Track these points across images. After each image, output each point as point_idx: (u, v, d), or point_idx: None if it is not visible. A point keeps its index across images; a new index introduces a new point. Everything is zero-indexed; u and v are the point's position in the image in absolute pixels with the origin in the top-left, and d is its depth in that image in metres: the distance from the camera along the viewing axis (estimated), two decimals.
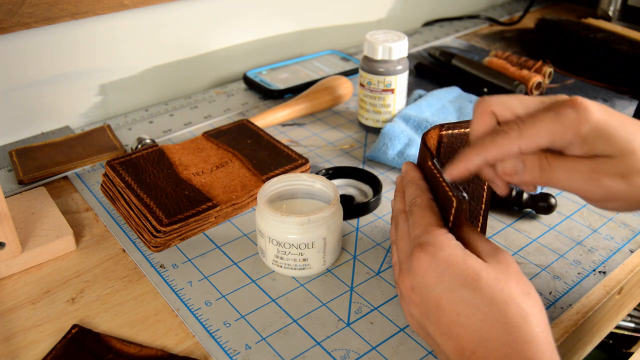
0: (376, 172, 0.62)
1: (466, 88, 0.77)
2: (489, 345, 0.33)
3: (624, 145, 0.36)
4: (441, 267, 0.36)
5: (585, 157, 0.37)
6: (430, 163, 0.42)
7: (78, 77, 0.72)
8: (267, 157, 0.60)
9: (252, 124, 0.66)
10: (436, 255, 0.36)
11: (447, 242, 0.37)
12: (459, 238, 0.39)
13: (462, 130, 0.44)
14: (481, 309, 0.34)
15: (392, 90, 0.66)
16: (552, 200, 0.54)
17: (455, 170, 0.39)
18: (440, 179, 0.40)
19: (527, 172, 0.38)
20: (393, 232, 0.44)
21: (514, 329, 0.33)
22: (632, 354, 0.83)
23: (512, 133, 0.37)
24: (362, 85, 0.68)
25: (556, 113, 0.37)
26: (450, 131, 0.44)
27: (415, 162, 0.47)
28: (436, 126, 0.44)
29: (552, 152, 0.38)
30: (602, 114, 0.36)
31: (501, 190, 0.41)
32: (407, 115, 0.66)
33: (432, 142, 0.44)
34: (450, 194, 0.38)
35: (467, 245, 0.38)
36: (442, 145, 0.44)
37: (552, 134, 0.36)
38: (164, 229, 0.50)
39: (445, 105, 0.71)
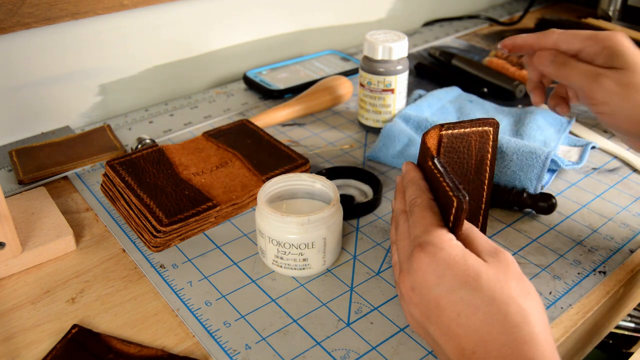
0: (376, 172, 0.62)
1: (466, 88, 0.77)
2: (489, 346, 0.33)
3: (631, 61, 0.46)
4: (441, 267, 0.36)
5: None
6: (430, 163, 0.42)
7: (78, 77, 0.72)
8: (267, 157, 0.60)
9: (252, 124, 0.66)
10: (436, 255, 0.36)
11: (447, 242, 0.37)
12: (459, 238, 0.39)
13: (462, 130, 0.44)
14: (481, 309, 0.34)
15: (392, 90, 0.66)
16: (552, 200, 0.54)
17: (507, 41, 0.54)
18: (441, 179, 0.40)
19: (554, 64, 0.49)
20: (393, 232, 0.44)
21: (514, 329, 0.33)
22: (632, 354, 0.83)
23: (555, 30, 0.51)
24: (362, 85, 0.68)
25: (594, 32, 0.48)
26: (450, 131, 0.44)
27: (415, 161, 0.47)
28: (436, 126, 0.44)
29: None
30: (627, 40, 0.47)
31: (536, 98, 0.56)
32: (407, 115, 0.66)
33: (432, 142, 0.44)
34: (451, 193, 0.38)
35: (467, 244, 0.38)
36: (441, 145, 0.44)
37: (584, 41, 0.48)
38: (164, 229, 0.50)
39: (445, 105, 0.71)
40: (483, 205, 0.48)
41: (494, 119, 0.45)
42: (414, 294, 0.37)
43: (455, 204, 0.38)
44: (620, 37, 0.48)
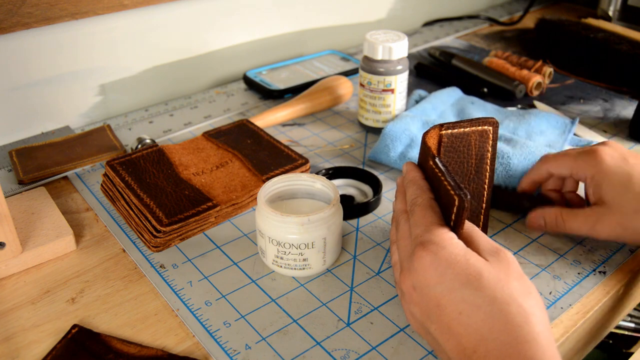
0: (376, 172, 0.62)
1: (466, 88, 0.77)
2: (490, 345, 0.33)
3: (620, 192, 0.46)
4: (443, 266, 0.36)
5: (595, 203, 0.48)
6: (431, 162, 0.42)
7: (78, 77, 0.72)
8: (267, 157, 0.60)
9: (252, 124, 0.66)
10: (438, 253, 0.36)
11: (448, 240, 0.37)
12: (461, 237, 0.39)
13: (462, 129, 0.44)
14: (482, 308, 0.34)
15: (392, 90, 0.66)
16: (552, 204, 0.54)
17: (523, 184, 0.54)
18: (442, 178, 0.40)
19: (548, 225, 0.50)
20: (393, 232, 0.44)
21: (515, 329, 0.33)
22: (632, 354, 0.83)
23: (545, 159, 0.52)
24: (362, 85, 0.68)
25: (579, 153, 0.50)
26: (449, 131, 0.44)
27: (417, 162, 0.47)
28: (436, 126, 0.44)
29: (570, 204, 0.52)
30: (611, 161, 0.47)
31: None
32: (411, 117, 0.66)
33: (433, 142, 0.44)
34: (452, 192, 0.38)
35: (468, 243, 0.38)
36: (442, 145, 0.44)
37: (570, 168, 0.50)
38: (164, 229, 0.50)
39: (447, 108, 0.71)
40: (484, 204, 0.48)
41: (493, 118, 0.45)
42: (415, 292, 0.37)
43: (456, 203, 0.38)
44: (602, 157, 0.48)
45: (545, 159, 0.52)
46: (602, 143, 0.50)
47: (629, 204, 0.46)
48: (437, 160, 0.42)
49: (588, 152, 0.49)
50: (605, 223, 0.46)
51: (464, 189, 0.38)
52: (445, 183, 0.39)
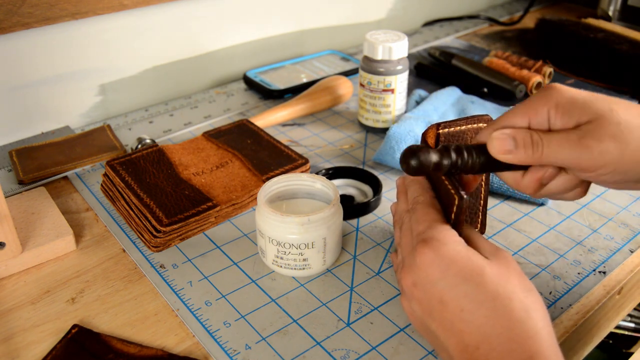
0: (376, 172, 0.62)
1: (466, 88, 0.77)
2: (493, 341, 0.33)
3: (599, 107, 0.37)
4: (445, 262, 0.36)
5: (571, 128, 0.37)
6: None
7: (78, 77, 0.72)
8: (267, 157, 0.60)
9: (252, 124, 0.66)
10: (440, 250, 0.36)
11: (450, 237, 0.37)
12: (461, 235, 0.39)
13: (458, 127, 0.45)
14: (485, 304, 0.34)
15: (392, 90, 0.66)
16: None
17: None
18: (442, 177, 0.40)
19: (520, 148, 0.38)
20: (398, 235, 0.44)
21: (517, 324, 0.33)
22: (632, 354, 0.83)
23: (493, 122, 0.40)
24: (362, 85, 0.68)
25: (529, 97, 0.40)
26: (446, 129, 0.44)
27: None
28: (433, 125, 0.44)
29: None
30: (570, 90, 0.38)
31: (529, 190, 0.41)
32: (414, 118, 0.66)
33: (431, 141, 0.44)
34: (453, 191, 0.38)
35: (468, 243, 0.38)
36: (439, 144, 0.44)
37: (525, 112, 0.38)
38: (164, 229, 0.50)
39: (448, 108, 0.71)
40: (482, 202, 0.48)
41: (487, 115, 0.45)
42: (416, 289, 0.37)
43: (456, 202, 0.38)
44: (559, 89, 0.38)
45: (492, 122, 0.40)
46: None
47: (620, 114, 0.36)
48: None
49: (539, 91, 0.39)
50: (592, 136, 0.36)
51: (463, 189, 0.38)
52: (446, 182, 0.40)
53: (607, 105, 0.37)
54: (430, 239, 0.37)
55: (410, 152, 0.38)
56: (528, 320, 0.33)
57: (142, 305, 0.46)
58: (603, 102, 0.37)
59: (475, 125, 0.45)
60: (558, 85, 0.39)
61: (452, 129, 0.44)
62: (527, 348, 0.33)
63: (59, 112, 0.72)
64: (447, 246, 0.36)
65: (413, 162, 0.38)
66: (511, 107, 0.43)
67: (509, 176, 0.41)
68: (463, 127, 0.45)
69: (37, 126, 0.71)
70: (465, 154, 0.38)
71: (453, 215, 0.39)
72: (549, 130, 0.38)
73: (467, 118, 0.45)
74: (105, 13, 0.69)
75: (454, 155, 0.38)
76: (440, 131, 0.44)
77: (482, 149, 0.39)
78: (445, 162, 0.38)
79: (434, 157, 0.38)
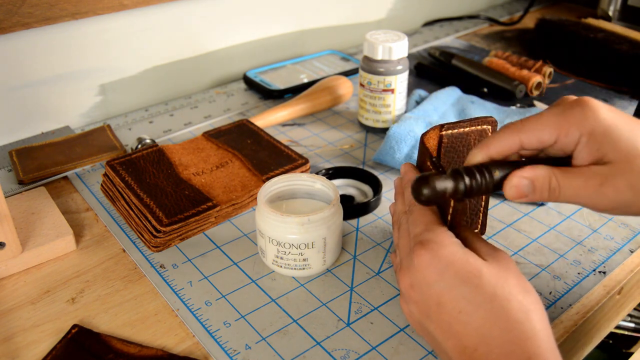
0: (376, 172, 0.62)
1: (466, 88, 0.77)
2: (491, 343, 0.33)
3: (626, 148, 0.35)
4: (442, 264, 0.36)
5: (592, 164, 0.36)
6: (429, 162, 0.43)
7: (78, 77, 0.72)
8: (267, 157, 0.60)
9: (252, 124, 0.66)
10: (438, 252, 0.36)
11: (448, 239, 0.37)
12: (458, 237, 0.39)
13: (462, 129, 0.44)
14: (483, 306, 0.34)
15: (392, 90, 0.66)
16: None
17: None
18: None
19: (537, 193, 0.37)
20: (396, 236, 0.44)
21: (516, 325, 0.33)
22: (632, 354, 0.83)
23: (513, 126, 0.38)
24: (362, 85, 0.68)
25: (562, 109, 0.37)
26: (450, 131, 0.44)
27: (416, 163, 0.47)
28: (436, 127, 0.44)
29: (560, 164, 0.37)
30: (609, 114, 0.36)
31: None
32: (414, 118, 0.66)
33: (432, 143, 0.44)
34: None
35: (465, 244, 0.38)
36: (442, 146, 0.44)
37: (557, 128, 0.36)
38: (164, 229, 0.50)
39: (448, 108, 0.71)
40: (483, 202, 0.48)
41: (492, 117, 0.45)
42: (414, 291, 0.37)
43: (452, 204, 0.38)
44: (601, 113, 0.36)
45: (512, 127, 0.38)
46: (570, 100, 0.37)
47: None
48: (434, 160, 0.42)
49: (574, 106, 0.37)
50: (612, 185, 0.35)
51: None
52: None
53: (634, 147, 0.35)
54: (427, 241, 0.37)
55: (422, 181, 0.35)
56: (526, 322, 0.33)
57: (142, 305, 0.46)
58: (631, 142, 0.35)
59: (479, 127, 0.45)
60: (596, 105, 0.36)
61: (456, 130, 0.44)
62: (526, 349, 0.33)
63: (59, 112, 0.72)
64: (444, 248, 0.36)
65: (425, 192, 0.35)
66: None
67: None
68: (466, 129, 0.44)
69: (37, 126, 0.71)
70: (478, 176, 0.36)
71: (450, 217, 0.39)
72: (570, 158, 0.37)
73: (470, 120, 0.45)
74: (105, 13, 0.69)
75: (467, 180, 0.36)
76: (444, 133, 0.44)
77: (494, 166, 0.37)
78: (461, 186, 0.36)
79: (448, 184, 0.35)
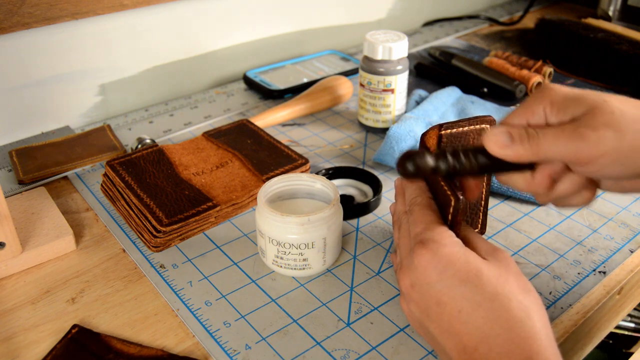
0: (376, 172, 0.62)
1: (466, 88, 0.77)
2: (492, 342, 0.33)
3: (593, 99, 0.36)
4: (443, 264, 0.36)
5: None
6: None
7: (78, 77, 0.72)
8: (267, 157, 0.60)
9: (252, 124, 0.66)
10: (438, 251, 0.36)
11: (448, 239, 0.37)
12: (458, 237, 0.39)
13: (461, 129, 0.44)
14: (483, 305, 0.34)
15: (392, 90, 0.66)
16: None
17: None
18: (439, 178, 0.40)
19: (517, 143, 0.37)
20: (397, 236, 0.44)
21: (516, 325, 0.33)
22: (632, 354, 0.83)
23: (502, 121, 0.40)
24: (362, 85, 0.68)
25: (528, 97, 0.39)
26: (449, 130, 0.44)
27: None
28: (435, 126, 0.44)
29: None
30: (564, 88, 0.39)
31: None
32: (414, 118, 0.66)
33: (432, 142, 0.44)
34: (449, 192, 0.38)
35: (466, 244, 0.38)
36: (442, 145, 0.44)
37: (524, 113, 0.39)
38: (164, 229, 0.50)
39: (448, 108, 0.71)
40: (482, 202, 0.48)
41: (490, 116, 0.45)
42: (414, 290, 0.37)
43: (452, 203, 0.38)
44: (552, 87, 0.39)
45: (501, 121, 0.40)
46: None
47: (613, 104, 0.36)
48: None
49: (534, 92, 0.39)
50: (589, 125, 0.35)
51: (460, 190, 0.38)
52: (442, 183, 0.40)
53: (600, 98, 0.37)
54: (427, 241, 0.37)
55: (407, 157, 0.38)
56: (527, 321, 0.33)
57: (142, 305, 0.46)
58: (596, 95, 0.37)
59: (478, 126, 0.45)
60: (552, 84, 0.39)
61: (455, 130, 0.44)
62: (526, 349, 0.33)
63: (59, 112, 0.72)
64: (445, 247, 0.36)
65: (409, 167, 0.37)
66: (512, 107, 0.43)
67: (519, 180, 0.40)
68: (465, 129, 0.45)
69: (37, 126, 0.71)
70: (462, 156, 0.38)
71: (450, 217, 0.39)
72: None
73: (469, 119, 0.45)
74: (105, 13, 0.69)
75: (450, 159, 0.38)
76: (443, 132, 0.44)
77: (482, 150, 0.39)
78: (442, 165, 0.38)
79: (430, 161, 0.38)
